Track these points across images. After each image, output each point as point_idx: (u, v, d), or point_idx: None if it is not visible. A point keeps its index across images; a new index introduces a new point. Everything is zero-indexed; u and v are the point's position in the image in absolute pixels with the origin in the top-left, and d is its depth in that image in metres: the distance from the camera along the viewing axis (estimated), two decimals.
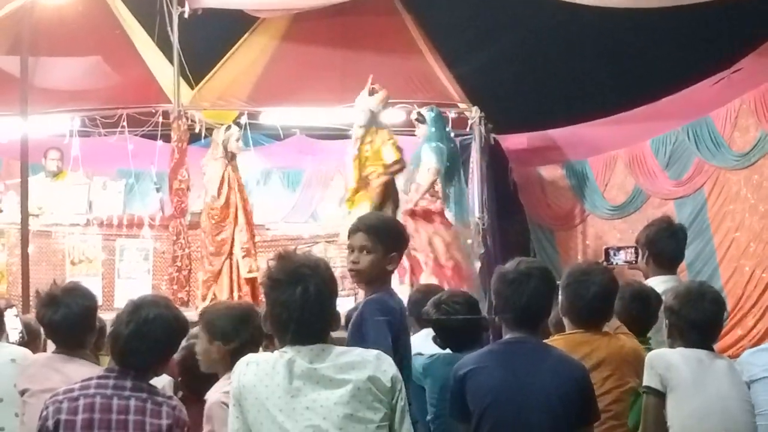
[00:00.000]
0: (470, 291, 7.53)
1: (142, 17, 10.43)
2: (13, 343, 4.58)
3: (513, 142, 11.49)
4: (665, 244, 4.92)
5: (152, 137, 10.50)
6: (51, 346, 4.21)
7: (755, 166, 9.47)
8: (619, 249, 5.25)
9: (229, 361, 3.39)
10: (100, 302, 4.36)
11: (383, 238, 3.73)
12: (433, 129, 8.96)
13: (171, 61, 9.90)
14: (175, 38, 9.74)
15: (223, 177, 8.85)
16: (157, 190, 10.30)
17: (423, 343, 4.53)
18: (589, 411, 3.39)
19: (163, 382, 3.88)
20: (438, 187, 8.82)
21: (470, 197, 9.84)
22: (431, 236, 8.55)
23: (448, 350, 4.37)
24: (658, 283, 4.66)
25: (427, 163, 8.78)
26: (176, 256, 9.31)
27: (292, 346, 2.81)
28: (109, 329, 3.61)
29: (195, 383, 3.86)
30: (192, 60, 10.05)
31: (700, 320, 3.80)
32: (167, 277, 9.40)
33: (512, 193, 11.56)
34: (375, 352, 2.91)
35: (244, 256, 8.83)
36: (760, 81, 9.27)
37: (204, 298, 8.79)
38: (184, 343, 3.79)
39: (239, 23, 10.67)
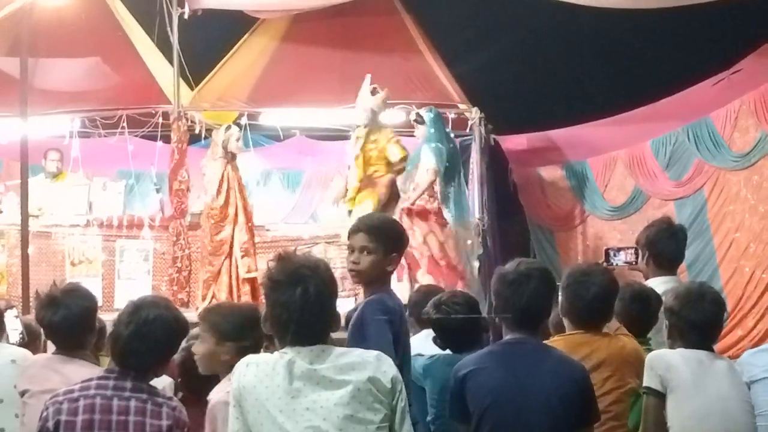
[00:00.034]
0: (466, 289, 7.60)
1: (142, 18, 10.43)
2: (13, 344, 4.58)
3: (513, 142, 11.50)
4: (665, 245, 4.92)
5: (152, 138, 10.50)
6: (51, 347, 4.20)
7: (755, 166, 9.47)
8: (619, 250, 5.24)
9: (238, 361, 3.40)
10: (100, 303, 4.36)
11: (384, 238, 3.74)
12: (432, 130, 8.98)
13: (171, 61, 9.90)
14: (174, 39, 9.74)
15: (222, 177, 8.84)
16: (157, 190, 10.31)
17: (423, 343, 4.53)
18: (590, 412, 3.39)
19: (163, 383, 3.88)
20: (437, 187, 8.84)
21: (470, 198, 9.84)
22: (426, 234, 8.59)
23: (448, 351, 4.37)
24: (658, 284, 4.66)
25: (427, 163, 8.81)
26: (176, 257, 9.31)
27: (292, 347, 2.81)
28: (109, 330, 3.61)
29: (195, 384, 3.85)
30: (192, 61, 10.05)
31: (700, 321, 3.80)
32: (167, 278, 9.40)
33: (512, 194, 11.57)
34: (375, 352, 2.91)
35: (243, 256, 8.82)
36: (760, 82, 9.27)
37: (204, 298, 8.79)
38: (184, 344, 3.78)
39: (239, 24, 10.68)
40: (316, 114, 10.75)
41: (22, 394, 3.91)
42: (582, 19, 9.60)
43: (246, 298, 8.65)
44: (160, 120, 10.00)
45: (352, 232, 3.80)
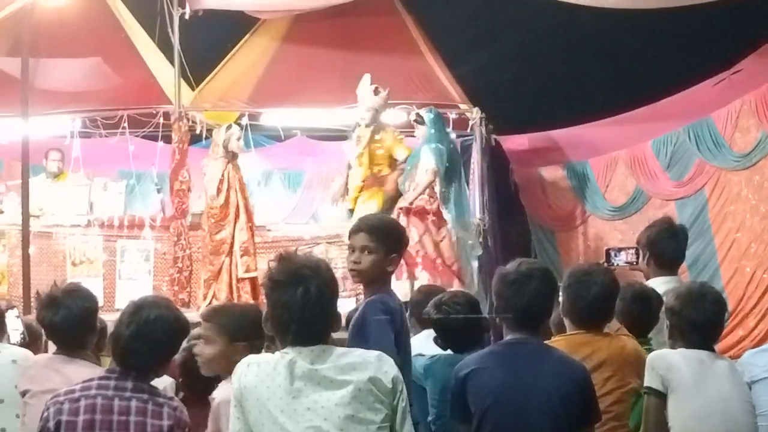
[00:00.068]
0: (463, 289, 7.62)
1: (143, 18, 10.43)
2: (14, 344, 4.58)
3: (514, 143, 11.50)
4: (666, 245, 4.92)
5: (153, 138, 10.49)
6: (52, 347, 4.21)
7: (756, 166, 9.47)
8: (620, 250, 5.25)
9: None
10: (101, 303, 4.36)
11: (385, 238, 3.74)
12: (433, 130, 8.98)
13: (172, 62, 9.89)
14: (175, 39, 9.74)
15: (222, 176, 8.85)
16: (158, 191, 10.30)
17: (424, 344, 4.53)
18: (590, 412, 3.39)
19: (164, 383, 3.88)
20: (436, 188, 8.85)
21: (471, 198, 9.84)
22: (422, 234, 8.60)
23: (449, 351, 4.37)
24: (659, 284, 4.66)
25: (426, 164, 8.81)
26: (177, 257, 9.30)
27: (293, 347, 2.81)
28: (110, 330, 3.61)
29: (196, 384, 3.86)
30: (193, 61, 10.05)
31: (701, 321, 3.80)
32: (168, 278, 9.39)
33: (513, 194, 11.57)
34: (376, 353, 2.92)
35: (242, 255, 8.82)
36: (761, 81, 9.27)
37: (205, 297, 8.80)
38: (185, 344, 3.78)
39: (240, 24, 10.68)
40: (317, 114, 10.75)
41: (23, 394, 3.91)
42: (582, 19, 9.60)
43: (246, 297, 8.66)
44: (161, 120, 9.99)
45: (353, 231, 3.80)
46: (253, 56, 10.68)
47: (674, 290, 4.03)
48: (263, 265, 8.48)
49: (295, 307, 2.79)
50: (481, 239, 9.46)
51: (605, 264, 4.93)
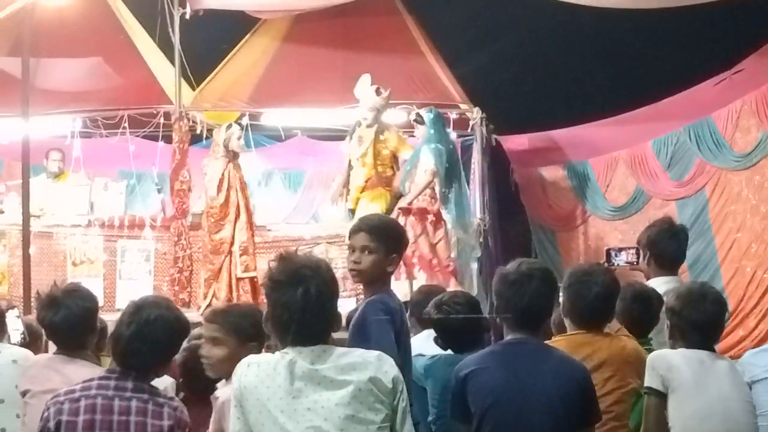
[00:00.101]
0: (461, 289, 7.63)
1: (144, 18, 10.43)
2: (14, 344, 4.59)
3: (514, 142, 11.50)
4: (666, 245, 4.92)
5: (153, 138, 10.49)
6: (52, 347, 4.21)
7: (757, 166, 9.47)
8: (620, 250, 5.25)
9: None
10: (101, 303, 4.37)
11: (385, 239, 3.75)
12: (432, 131, 8.97)
13: (172, 62, 9.89)
14: (176, 39, 9.73)
15: (223, 175, 8.84)
16: (159, 191, 10.30)
17: (424, 344, 4.53)
18: (591, 412, 3.39)
19: (165, 383, 3.88)
20: (436, 188, 8.85)
21: (471, 198, 9.84)
22: (418, 235, 8.61)
23: (449, 351, 4.37)
24: (660, 284, 4.66)
25: (426, 164, 8.81)
26: (177, 257, 9.30)
27: (293, 347, 2.81)
28: (111, 330, 3.61)
29: (196, 384, 3.86)
30: (193, 61, 10.05)
31: (702, 321, 3.79)
32: (168, 278, 9.38)
33: (513, 194, 11.57)
34: (376, 353, 2.92)
35: (241, 255, 8.82)
36: (762, 81, 9.27)
37: (205, 297, 8.80)
38: (185, 344, 3.78)
39: (240, 24, 10.67)
40: (317, 114, 10.75)
41: (24, 394, 3.91)
42: (582, 19, 9.59)
43: (246, 296, 8.65)
44: (162, 120, 9.99)
45: (353, 231, 3.81)
46: (254, 56, 10.68)
47: (675, 290, 4.03)
48: (263, 264, 8.48)
49: (295, 307, 2.79)
50: (481, 239, 9.47)
51: (606, 264, 4.94)
